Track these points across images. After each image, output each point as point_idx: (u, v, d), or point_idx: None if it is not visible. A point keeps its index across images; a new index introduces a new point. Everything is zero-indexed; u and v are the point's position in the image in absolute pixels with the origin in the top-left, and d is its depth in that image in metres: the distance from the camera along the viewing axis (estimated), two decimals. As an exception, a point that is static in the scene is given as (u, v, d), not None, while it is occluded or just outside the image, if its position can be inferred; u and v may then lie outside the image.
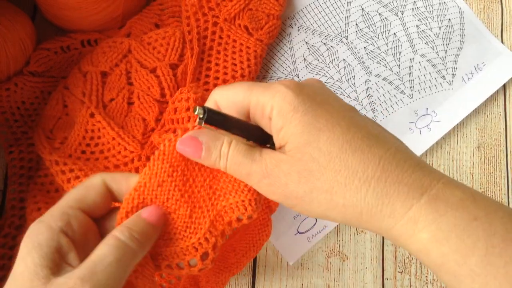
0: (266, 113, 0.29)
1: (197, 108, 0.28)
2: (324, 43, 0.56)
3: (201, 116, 0.28)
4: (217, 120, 0.29)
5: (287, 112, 0.28)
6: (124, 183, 0.31)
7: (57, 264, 0.26)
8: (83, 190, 0.30)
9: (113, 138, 0.47)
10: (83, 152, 0.47)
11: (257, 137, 0.30)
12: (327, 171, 0.27)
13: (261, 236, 0.41)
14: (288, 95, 0.28)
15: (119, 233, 0.28)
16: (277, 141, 0.29)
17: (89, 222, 0.29)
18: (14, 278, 0.26)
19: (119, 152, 0.46)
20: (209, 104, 0.31)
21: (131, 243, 0.28)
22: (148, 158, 0.46)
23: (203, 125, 0.29)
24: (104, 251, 0.27)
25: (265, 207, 0.39)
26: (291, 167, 0.28)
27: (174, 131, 0.46)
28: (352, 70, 0.55)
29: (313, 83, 0.30)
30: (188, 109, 0.44)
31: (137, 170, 0.46)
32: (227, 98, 0.30)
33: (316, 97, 0.29)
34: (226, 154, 0.29)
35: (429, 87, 0.55)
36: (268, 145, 0.31)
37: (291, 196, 0.28)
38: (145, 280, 0.31)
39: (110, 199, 0.31)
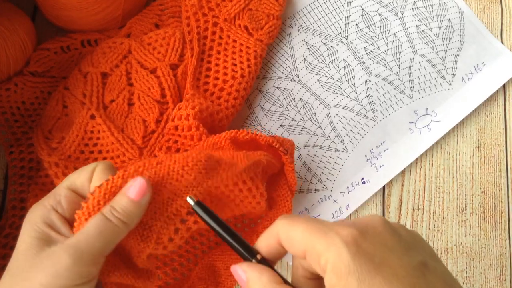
0: (321, 263, 0.28)
1: (189, 198, 0.33)
2: (324, 43, 0.56)
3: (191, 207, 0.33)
4: (203, 218, 0.33)
5: (341, 273, 0.26)
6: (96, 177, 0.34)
7: (50, 236, 0.31)
8: (77, 173, 0.34)
9: (112, 143, 0.47)
10: (82, 152, 0.47)
11: (239, 251, 0.31)
12: None
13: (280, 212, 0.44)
14: (344, 254, 0.26)
15: (104, 209, 0.32)
16: None
17: (79, 200, 0.33)
18: (16, 251, 0.32)
19: (118, 156, 0.47)
20: (271, 235, 0.31)
21: (113, 219, 0.31)
22: None
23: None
24: (89, 225, 0.31)
25: (286, 189, 0.43)
26: None
27: (176, 142, 0.47)
28: (352, 70, 0.55)
29: (375, 225, 0.29)
30: (190, 128, 0.44)
31: None
32: (287, 234, 0.29)
33: (375, 255, 0.27)
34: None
35: (429, 87, 0.55)
36: None
37: None
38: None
39: None
